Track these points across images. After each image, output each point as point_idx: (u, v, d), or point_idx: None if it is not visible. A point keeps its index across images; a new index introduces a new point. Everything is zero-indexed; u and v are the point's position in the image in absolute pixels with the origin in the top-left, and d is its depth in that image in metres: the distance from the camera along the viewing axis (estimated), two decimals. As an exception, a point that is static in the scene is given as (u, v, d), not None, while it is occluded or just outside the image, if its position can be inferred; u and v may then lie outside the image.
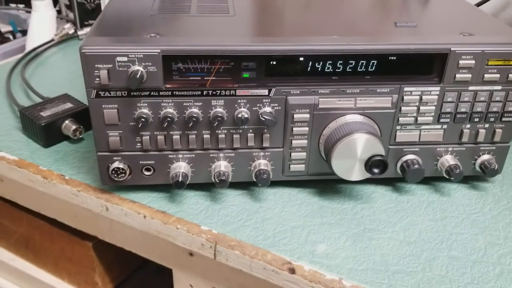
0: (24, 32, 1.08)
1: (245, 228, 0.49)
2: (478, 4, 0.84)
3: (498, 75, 0.49)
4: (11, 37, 1.11)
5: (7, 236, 0.74)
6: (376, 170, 0.49)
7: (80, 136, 0.62)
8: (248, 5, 0.58)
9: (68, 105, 0.64)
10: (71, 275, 0.69)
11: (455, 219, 0.52)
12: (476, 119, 0.52)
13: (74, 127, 0.61)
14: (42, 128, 0.60)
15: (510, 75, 0.50)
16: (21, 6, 1.19)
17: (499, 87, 0.50)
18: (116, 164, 0.50)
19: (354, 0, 0.62)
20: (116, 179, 0.51)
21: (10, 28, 1.12)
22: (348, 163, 0.49)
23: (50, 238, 0.67)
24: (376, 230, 0.50)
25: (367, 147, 0.48)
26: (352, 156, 0.49)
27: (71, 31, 0.94)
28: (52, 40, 0.93)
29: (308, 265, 0.45)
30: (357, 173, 0.50)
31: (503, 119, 0.52)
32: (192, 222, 0.50)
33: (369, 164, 0.49)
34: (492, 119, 0.52)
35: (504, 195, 0.55)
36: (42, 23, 0.96)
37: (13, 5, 1.19)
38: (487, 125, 0.52)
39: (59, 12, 1.17)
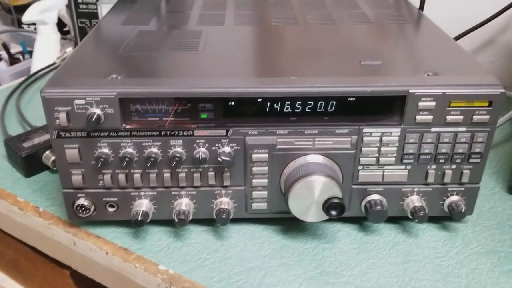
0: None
1: (202, 268, 0.50)
2: (466, 33, 0.83)
3: (461, 117, 0.48)
4: (21, 57, 1.15)
5: (0, 257, 0.77)
6: (333, 212, 0.49)
7: (60, 167, 0.64)
8: (217, 42, 0.58)
9: (50, 135, 0.66)
10: (55, 299, 0.71)
11: (418, 263, 0.51)
12: (442, 160, 0.51)
13: (53, 157, 0.63)
14: (23, 159, 0.62)
15: (474, 116, 0.48)
16: (33, 27, 1.23)
17: (464, 129, 0.49)
18: (80, 201, 0.52)
19: (329, 32, 0.61)
20: (81, 215, 0.52)
21: (21, 48, 1.16)
22: (305, 204, 0.49)
23: (34, 264, 0.69)
24: (334, 273, 0.49)
25: (324, 190, 0.48)
26: (308, 197, 0.48)
27: (72, 54, 0.97)
28: (54, 63, 0.96)
29: (258, 309, 0.45)
30: (313, 214, 0.49)
31: (470, 160, 0.51)
32: (151, 260, 0.51)
33: (326, 206, 0.48)
34: (458, 160, 0.51)
35: (474, 237, 0.54)
36: (46, 47, 0.99)
37: (25, 27, 1.23)
38: (453, 166, 0.51)
39: (68, 32, 1.21)
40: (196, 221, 0.55)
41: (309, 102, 0.48)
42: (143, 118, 0.48)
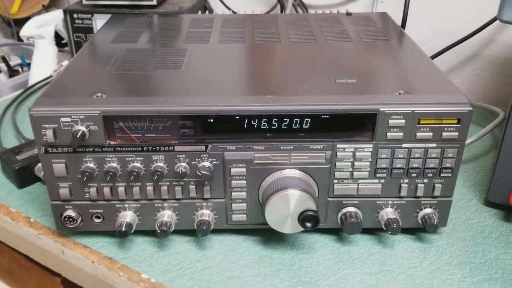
0: (31, 66, 1.15)
1: (183, 277, 0.52)
2: (445, 49, 0.85)
3: (431, 134, 0.50)
4: (20, 69, 1.18)
5: (-5, 265, 0.79)
6: (308, 224, 0.51)
7: (51, 178, 0.66)
8: (200, 60, 0.61)
9: (43, 148, 0.68)
10: (47, 306, 0.74)
11: (391, 273, 0.52)
12: (414, 175, 0.53)
13: (45, 170, 0.65)
14: (16, 172, 0.65)
15: (443, 133, 0.50)
16: (32, 40, 1.26)
17: (434, 145, 0.51)
18: (67, 213, 0.54)
19: (309, 50, 0.64)
20: (68, 225, 0.55)
21: (20, 61, 1.19)
22: (281, 216, 0.51)
23: (27, 271, 0.72)
24: (309, 283, 0.51)
25: (299, 203, 0.50)
26: (284, 210, 0.51)
27: (68, 68, 1.00)
28: (51, 76, 0.99)
29: (234, 317, 0.47)
30: (289, 226, 0.52)
31: (442, 174, 0.53)
32: (134, 269, 0.53)
33: (301, 218, 0.50)
34: (430, 175, 0.53)
35: (448, 249, 0.56)
36: (43, 60, 1.02)
37: (25, 40, 1.26)
38: (425, 180, 0.53)
39: (66, 45, 1.24)
40: (179, 232, 0.57)
41: (284, 119, 0.50)
42: (126, 134, 0.50)
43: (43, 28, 1.00)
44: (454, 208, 0.62)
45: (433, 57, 0.87)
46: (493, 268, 0.53)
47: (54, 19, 1.00)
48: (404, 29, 0.83)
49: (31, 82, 0.99)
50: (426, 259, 0.54)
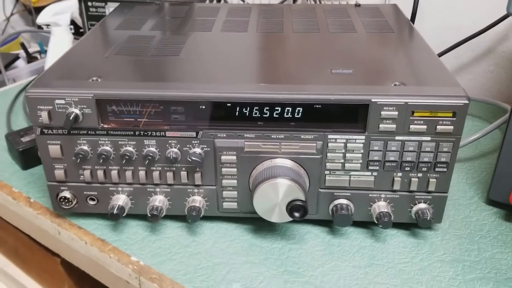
0: (50, 53, 1.18)
1: (171, 261, 0.52)
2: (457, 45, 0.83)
3: (425, 127, 0.49)
4: (38, 56, 1.21)
5: (2, 243, 0.81)
6: (296, 214, 0.51)
7: (54, 161, 0.68)
8: (200, 48, 0.61)
9: (48, 131, 0.70)
10: (49, 285, 0.75)
11: (380, 267, 0.52)
12: (407, 168, 0.52)
13: (48, 152, 0.67)
14: (20, 153, 0.67)
15: (438, 126, 0.49)
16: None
17: (428, 138, 0.50)
18: (63, 194, 0.55)
19: (310, 40, 0.63)
20: (64, 206, 0.56)
21: (38, 48, 1.22)
22: (269, 205, 0.51)
23: (30, 251, 0.74)
24: (296, 273, 0.51)
25: (287, 193, 0.50)
26: (273, 198, 0.50)
27: (81, 55, 1.01)
28: (66, 63, 1.01)
29: (217, 303, 0.48)
30: (276, 215, 0.51)
31: (436, 169, 0.52)
32: (125, 252, 0.54)
33: (289, 207, 0.50)
34: (424, 169, 0.52)
35: (442, 246, 0.54)
36: (59, 47, 1.04)
37: (44, 27, 1.29)
38: (420, 175, 0.52)
39: (84, 33, 1.26)
40: (173, 217, 0.57)
41: (276, 108, 0.50)
42: (119, 118, 0.51)
43: (59, 15, 1.01)
44: (453, 205, 0.61)
45: (447, 51, 0.85)
46: (487, 267, 0.52)
47: (70, 7, 1.02)
48: (414, 21, 0.81)
49: (46, 68, 1.01)
50: (418, 255, 0.53)
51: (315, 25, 0.69)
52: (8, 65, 1.08)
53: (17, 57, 1.15)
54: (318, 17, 0.72)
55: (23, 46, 1.16)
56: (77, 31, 1.18)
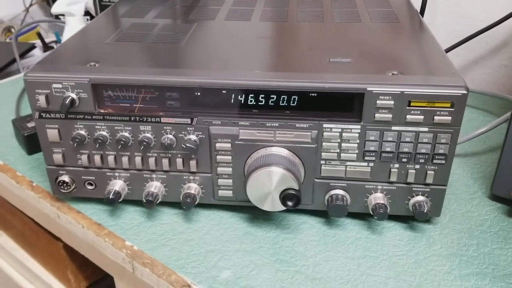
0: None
1: (165, 247, 0.53)
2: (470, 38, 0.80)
3: (421, 117, 0.48)
4: (54, 46, 1.23)
5: (11, 227, 0.83)
6: (289, 203, 0.50)
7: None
8: (201, 36, 0.61)
9: (53, 117, 0.71)
10: (53, 269, 0.77)
11: (374, 259, 0.51)
12: (404, 160, 0.51)
13: (52, 138, 0.68)
14: (25, 138, 0.68)
15: (435, 117, 0.48)
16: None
17: (426, 129, 0.49)
18: (62, 178, 0.56)
19: (313, 29, 0.62)
20: (63, 190, 0.57)
21: (55, 38, 1.24)
22: (262, 193, 0.51)
23: (36, 235, 0.75)
24: (288, 262, 0.51)
25: (281, 181, 0.50)
26: (266, 186, 0.50)
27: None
28: (78, 52, 1.02)
29: (206, 289, 0.48)
30: (269, 203, 0.51)
31: (434, 161, 0.50)
32: (120, 236, 0.54)
33: (282, 196, 0.50)
34: (422, 161, 0.51)
35: (440, 239, 0.53)
36: (73, 37, 1.05)
37: (61, 18, 1.31)
38: (417, 166, 0.51)
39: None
40: (170, 204, 0.58)
41: (271, 96, 0.50)
42: (115, 103, 0.51)
43: (73, 5, 1.03)
44: (456, 199, 0.60)
45: (460, 43, 0.83)
46: (484, 263, 0.50)
47: (84, -4, 1.03)
48: (423, 12, 0.79)
49: (59, 57, 1.03)
50: (414, 248, 0.52)
51: (320, 15, 0.68)
52: (23, 54, 1.10)
53: (33, 47, 1.17)
54: (324, 7, 0.71)
55: (39, 35, 1.18)
56: (92, 21, 1.19)
